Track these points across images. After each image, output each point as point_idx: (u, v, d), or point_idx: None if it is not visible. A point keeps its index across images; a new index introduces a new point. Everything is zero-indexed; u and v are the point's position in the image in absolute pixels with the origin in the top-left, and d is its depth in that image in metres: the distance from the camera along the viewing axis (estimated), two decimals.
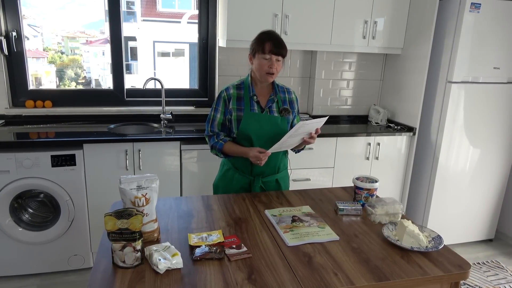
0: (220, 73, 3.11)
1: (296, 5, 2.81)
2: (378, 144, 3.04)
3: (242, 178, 1.97)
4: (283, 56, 1.82)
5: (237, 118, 1.89)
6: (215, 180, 2.10)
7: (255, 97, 1.90)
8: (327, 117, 1.88)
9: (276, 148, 1.81)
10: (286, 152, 2.08)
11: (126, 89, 3.14)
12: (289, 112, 1.94)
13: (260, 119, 1.88)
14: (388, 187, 3.19)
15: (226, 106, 1.91)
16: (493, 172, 3.17)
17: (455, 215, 3.16)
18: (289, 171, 2.15)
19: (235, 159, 1.96)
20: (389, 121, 3.34)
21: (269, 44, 1.79)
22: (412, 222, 1.50)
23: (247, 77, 1.95)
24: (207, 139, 1.99)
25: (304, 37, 2.90)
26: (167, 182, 2.65)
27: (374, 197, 1.79)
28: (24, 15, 2.85)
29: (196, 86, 3.32)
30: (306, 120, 1.79)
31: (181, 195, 2.73)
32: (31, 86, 2.96)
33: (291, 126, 1.99)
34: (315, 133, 1.84)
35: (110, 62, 3.09)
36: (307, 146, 2.88)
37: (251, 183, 1.97)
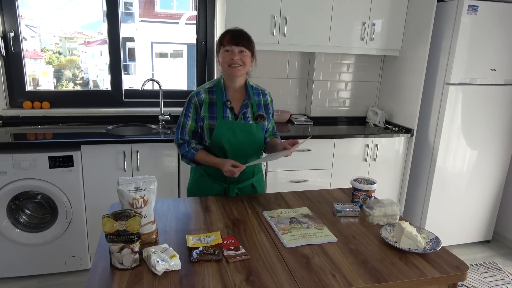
0: (219, 74, 3.10)
1: (294, 7, 2.82)
2: (376, 145, 3.05)
3: (216, 185, 1.88)
4: (245, 46, 1.72)
5: (209, 126, 1.78)
6: (188, 185, 1.99)
7: (228, 103, 1.79)
8: (310, 136, 1.83)
9: (253, 163, 1.76)
10: (260, 155, 1.97)
11: (124, 90, 3.14)
12: (264, 119, 1.84)
13: (234, 127, 1.78)
14: (386, 188, 3.19)
15: (198, 112, 1.80)
16: (490, 173, 3.18)
17: (453, 216, 3.17)
18: (270, 172, 2.10)
19: (209, 166, 1.85)
20: (387, 122, 3.34)
21: (227, 36, 1.72)
22: (410, 224, 1.51)
23: (220, 79, 1.84)
24: (177, 146, 1.88)
25: (302, 38, 2.91)
26: (165, 184, 2.64)
27: (372, 198, 1.79)
28: (21, 16, 2.85)
29: (194, 87, 3.32)
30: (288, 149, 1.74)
31: (179, 196, 2.73)
32: (29, 87, 2.96)
33: (266, 132, 1.92)
34: (292, 144, 1.74)
35: (108, 63, 3.09)
36: (304, 147, 2.89)
37: (226, 190, 1.89)
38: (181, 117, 1.85)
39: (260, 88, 1.90)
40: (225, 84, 1.83)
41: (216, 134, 1.78)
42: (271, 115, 1.94)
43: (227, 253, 1.34)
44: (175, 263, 1.23)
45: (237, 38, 1.71)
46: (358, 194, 1.79)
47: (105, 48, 3.07)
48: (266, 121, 1.87)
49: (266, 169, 2.81)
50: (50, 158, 2.36)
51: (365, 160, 3.06)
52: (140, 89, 2.96)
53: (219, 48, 1.77)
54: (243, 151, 1.81)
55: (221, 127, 1.77)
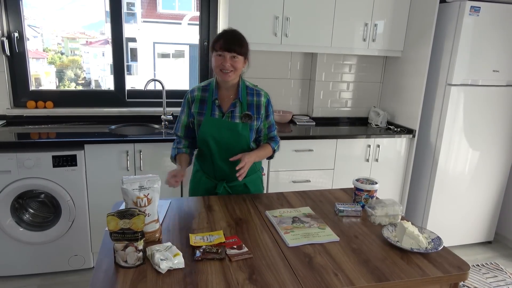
0: None
1: (296, 8, 2.83)
2: (378, 146, 3.05)
3: (207, 181, 1.95)
4: (237, 52, 1.72)
5: (197, 123, 1.85)
6: (190, 178, 2.09)
7: (216, 101, 1.82)
8: None
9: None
10: None
11: (127, 90, 3.15)
12: (250, 118, 1.83)
13: (219, 124, 1.82)
14: (388, 189, 3.20)
15: (190, 108, 1.88)
16: (492, 174, 3.18)
17: (454, 217, 3.17)
18: (262, 173, 2.09)
19: (202, 161, 1.95)
20: (389, 123, 3.35)
21: (220, 41, 1.72)
22: (412, 224, 1.51)
23: (214, 79, 1.87)
24: (175, 137, 1.99)
25: (305, 39, 2.92)
26: None
27: (374, 198, 1.80)
28: (24, 16, 2.86)
29: None
30: None
31: (181, 195, 2.74)
32: (32, 87, 2.97)
33: (257, 132, 1.92)
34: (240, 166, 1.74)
35: (110, 63, 3.10)
36: (305, 148, 2.89)
37: (216, 187, 1.94)
38: (179, 113, 1.95)
39: (256, 89, 1.89)
40: (218, 84, 1.86)
41: (202, 130, 1.83)
42: (264, 116, 1.89)
43: (230, 252, 1.35)
44: (179, 262, 1.25)
45: (230, 43, 1.72)
46: (360, 194, 1.80)
47: (107, 48, 3.09)
48: (255, 121, 1.86)
49: (268, 169, 2.82)
50: (53, 157, 2.37)
51: (367, 160, 3.07)
52: (143, 89, 2.98)
53: (212, 51, 1.79)
54: (228, 149, 1.83)
55: (207, 124, 1.82)
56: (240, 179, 1.76)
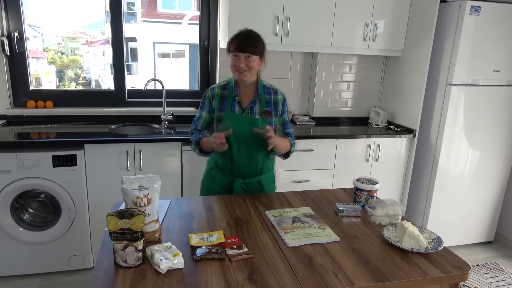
0: (221, 74, 3.12)
1: (297, 7, 2.83)
2: (378, 146, 3.05)
3: (223, 178, 1.97)
4: (251, 52, 1.79)
5: (217, 118, 1.90)
6: (202, 177, 2.11)
7: (237, 98, 1.89)
8: None
9: None
10: (269, 154, 2.01)
11: (127, 90, 3.15)
12: (270, 114, 1.91)
13: (240, 120, 1.87)
14: (388, 188, 3.20)
15: (210, 104, 1.93)
16: (493, 174, 3.18)
17: (455, 217, 3.17)
18: (275, 172, 2.12)
19: (218, 158, 1.97)
20: (389, 123, 3.34)
21: (235, 41, 1.80)
22: (412, 224, 1.51)
23: (233, 77, 1.93)
24: (190, 137, 1.98)
25: (305, 39, 2.92)
26: (168, 183, 2.65)
27: (374, 198, 1.80)
28: (24, 16, 2.86)
29: (196, 87, 3.32)
30: None
31: (181, 195, 2.74)
32: (32, 86, 2.97)
33: (275, 129, 1.95)
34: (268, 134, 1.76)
35: (110, 63, 3.10)
36: (306, 148, 2.89)
37: (232, 184, 1.96)
38: (199, 111, 1.98)
39: (272, 88, 1.97)
40: (236, 82, 1.91)
41: (222, 125, 1.87)
42: (280, 113, 1.97)
43: (230, 252, 1.35)
44: (179, 262, 1.24)
45: (244, 44, 1.78)
46: (360, 194, 1.79)
47: (107, 48, 3.09)
48: (274, 118, 1.93)
49: None
50: (53, 157, 2.37)
51: (367, 160, 3.06)
52: (143, 89, 2.97)
53: (227, 51, 1.85)
54: (247, 144, 1.87)
55: (227, 119, 1.86)
56: (270, 143, 1.73)
